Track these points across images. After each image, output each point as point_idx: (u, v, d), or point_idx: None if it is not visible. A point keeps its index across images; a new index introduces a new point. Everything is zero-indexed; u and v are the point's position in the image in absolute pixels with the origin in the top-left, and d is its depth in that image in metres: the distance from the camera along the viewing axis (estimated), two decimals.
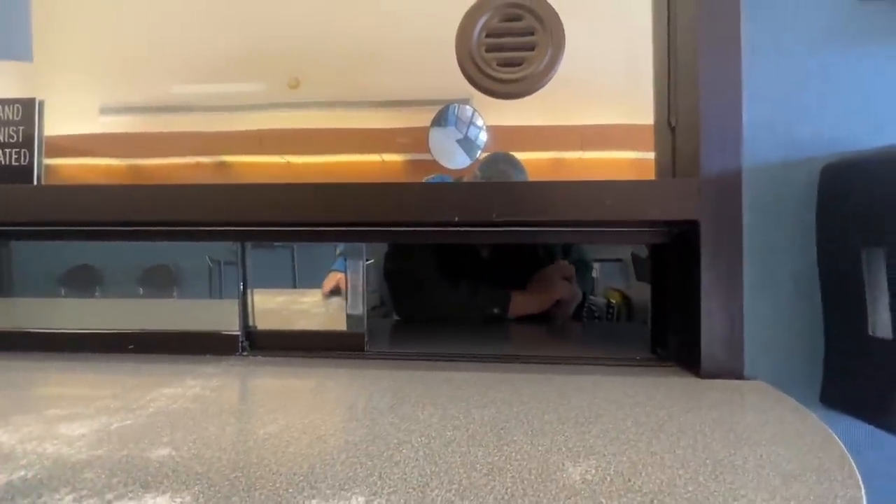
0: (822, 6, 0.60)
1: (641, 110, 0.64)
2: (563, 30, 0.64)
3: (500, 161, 0.66)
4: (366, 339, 0.69)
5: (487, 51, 0.64)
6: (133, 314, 0.72)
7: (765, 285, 0.60)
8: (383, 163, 0.69)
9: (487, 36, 0.64)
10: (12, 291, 0.77)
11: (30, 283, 0.77)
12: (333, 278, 0.73)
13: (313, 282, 0.73)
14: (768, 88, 0.60)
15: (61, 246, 0.74)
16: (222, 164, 0.70)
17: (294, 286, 0.74)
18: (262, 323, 0.71)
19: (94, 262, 0.75)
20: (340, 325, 0.70)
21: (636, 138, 0.65)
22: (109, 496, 0.30)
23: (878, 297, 0.51)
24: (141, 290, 0.74)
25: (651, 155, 0.64)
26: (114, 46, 0.72)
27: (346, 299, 0.70)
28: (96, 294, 0.74)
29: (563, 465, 0.35)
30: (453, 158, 0.67)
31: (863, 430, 0.55)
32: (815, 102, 0.60)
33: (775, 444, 0.38)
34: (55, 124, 0.71)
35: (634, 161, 0.65)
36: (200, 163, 0.70)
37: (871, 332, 0.52)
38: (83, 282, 0.75)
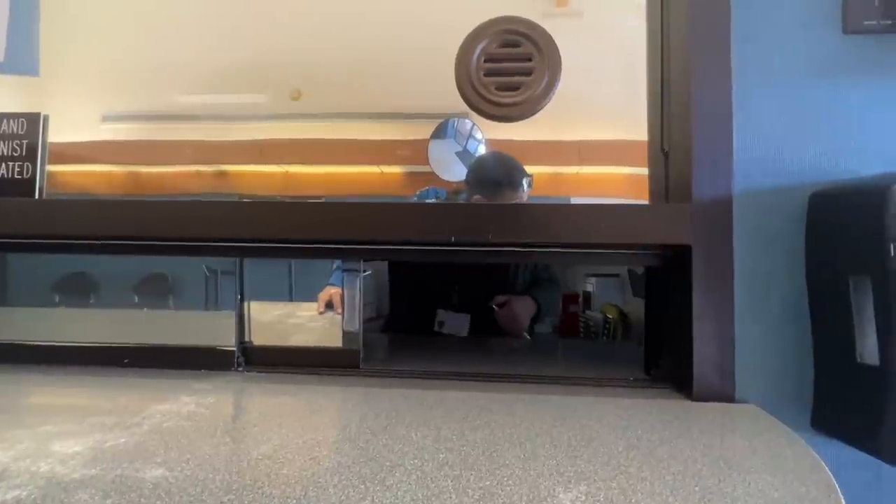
0: (809, 39, 0.62)
1: (636, 127, 0.66)
2: (559, 55, 0.65)
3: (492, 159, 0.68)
4: (361, 357, 0.70)
5: (486, 75, 0.66)
6: (128, 326, 0.72)
7: (756, 310, 0.61)
8: (382, 174, 0.70)
9: (486, 61, 0.66)
10: (6, 300, 0.76)
11: (24, 291, 0.77)
12: (329, 292, 0.73)
13: (309, 294, 0.73)
14: (758, 117, 0.62)
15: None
16: (222, 173, 0.71)
17: (290, 298, 0.74)
18: (258, 338, 0.71)
19: (89, 269, 0.75)
20: (336, 341, 0.70)
21: (631, 154, 0.66)
22: None
23: (865, 325, 0.52)
24: (136, 299, 0.74)
25: (644, 170, 0.65)
26: (117, 56, 0.73)
27: (343, 315, 0.71)
28: (91, 302, 0.74)
29: (554, 490, 0.35)
30: (452, 170, 0.69)
31: (853, 453, 0.55)
32: (804, 131, 0.61)
33: (764, 471, 0.39)
34: (56, 131, 0.72)
35: (629, 176, 0.66)
36: (201, 171, 0.71)
37: (858, 359, 0.52)
38: (78, 290, 0.75)
